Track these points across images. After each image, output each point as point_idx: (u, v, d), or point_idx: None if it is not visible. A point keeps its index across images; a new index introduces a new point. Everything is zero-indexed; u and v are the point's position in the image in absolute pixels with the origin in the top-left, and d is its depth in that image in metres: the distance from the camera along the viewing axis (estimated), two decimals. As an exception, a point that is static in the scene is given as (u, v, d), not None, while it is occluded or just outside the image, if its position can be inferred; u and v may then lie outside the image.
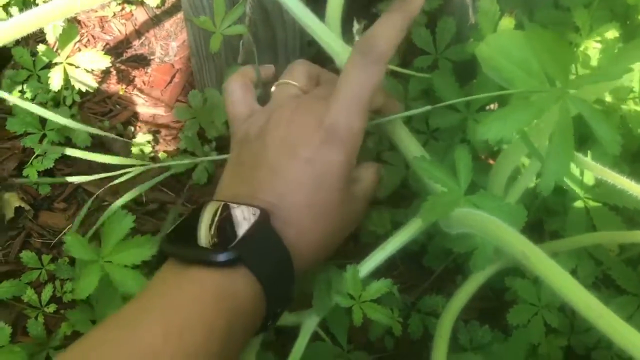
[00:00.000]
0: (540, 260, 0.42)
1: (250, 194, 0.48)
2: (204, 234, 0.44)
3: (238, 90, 0.58)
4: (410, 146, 0.58)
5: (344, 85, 0.50)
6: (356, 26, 0.66)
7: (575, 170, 0.64)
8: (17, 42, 0.88)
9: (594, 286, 0.65)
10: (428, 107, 0.56)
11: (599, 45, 0.70)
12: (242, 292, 0.43)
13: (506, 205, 0.53)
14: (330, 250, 0.53)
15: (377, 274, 0.60)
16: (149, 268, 0.62)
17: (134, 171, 0.69)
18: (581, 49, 0.69)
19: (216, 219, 0.45)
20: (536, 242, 0.60)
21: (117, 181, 0.70)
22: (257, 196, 0.48)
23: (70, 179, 0.70)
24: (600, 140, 0.41)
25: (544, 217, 0.70)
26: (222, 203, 0.47)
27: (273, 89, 0.60)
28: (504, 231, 0.45)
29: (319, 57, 0.67)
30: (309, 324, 0.57)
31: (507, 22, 0.67)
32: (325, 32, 0.63)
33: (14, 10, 0.94)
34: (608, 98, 0.69)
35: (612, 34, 0.65)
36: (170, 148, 0.86)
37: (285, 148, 0.49)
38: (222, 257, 0.42)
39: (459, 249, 0.55)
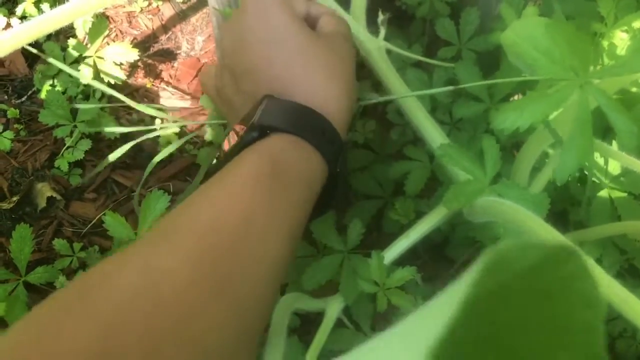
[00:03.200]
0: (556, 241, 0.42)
1: (254, 93, 0.50)
2: None
3: None
4: (435, 135, 0.59)
5: None
6: (381, 17, 0.66)
7: (599, 159, 0.64)
8: (48, 37, 0.90)
9: (618, 275, 0.65)
10: (441, 90, 0.56)
11: (625, 35, 0.70)
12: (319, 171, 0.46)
13: (529, 194, 0.53)
14: (347, 88, 0.52)
15: (401, 263, 0.61)
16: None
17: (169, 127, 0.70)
18: (606, 38, 0.69)
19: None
20: (561, 232, 0.61)
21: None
22: (258, 95, 0.50)
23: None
24: (617, 132, 0.41)
25: (569, 207, 0.70)
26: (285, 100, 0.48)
27: None
28: (531, 220, 0.45)
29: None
30: (333, 310, 0.58)
31: (531, 11, 0.67)
32: (351, 23, 0.64)
33: (44, 6, 0.97)
34: (634, 88, 0.69)
35: (638, 23, 0.65)
36: (197, 140, 0.87)
37: (245, 49, 0.51)
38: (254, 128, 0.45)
39: (481, 238, 0.56)
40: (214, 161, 0.79)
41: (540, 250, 0.21)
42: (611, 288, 0.43)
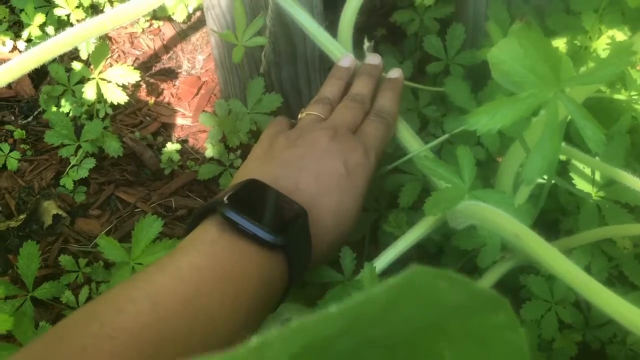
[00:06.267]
0: (531, 240, 0.44)
1: (291, 188, 0.54)
2: (260, 213, 0.49)
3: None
4: (415, 146, 0.61)
5: (370, 138, 0.61)
6: (366, 44, 0.69)
7: (587, 169, 0.66)
8: (53, 59, 0.93)
9: (608, 282, 0.66)
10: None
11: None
12: (276, 272, 0.49)
13: (509, 198, 0.55)
14: (338, 245, 0.59)
15: (395, 275, 0.63)
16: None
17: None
18: (592, 50, 0.71)
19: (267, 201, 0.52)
20: (550, 240, 0.62)
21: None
22: (297, 192, 0.54)
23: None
24: (585, 138, 0.43)
25: (560, 216, 0.71)
26: (273, 189, 0.52)
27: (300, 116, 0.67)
28: (497, 215, 0.48)
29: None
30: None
31: (517, 28, 0.69)
32: (337, 47, 0.67)
33: (49, 29, 1.00)
34: (622, 96, 0.71)
35: (620, 35, 0.67)
36: (197, 156, 0.89)
37: (329, 159, 0.57)
38: (277, 240, 0.48)
39: (466, 246, 0.57)
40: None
41: (473, 296, 0.22)
42: (601, 293, 0.44)
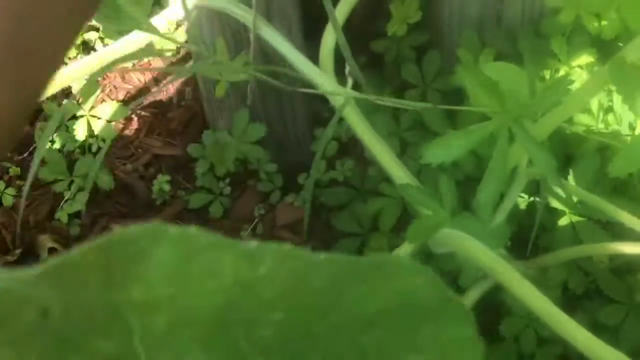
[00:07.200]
0: (506, 273, 0.46)
1: None
2: None
3: None
4: (399, 174, 0.64)
5: None
6: (347, 68, 0.72)
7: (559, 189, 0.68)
8: (47, 96, 0.96)
9: (585, 296, 0.69)
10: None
11: (579, 70, 0.75)
12: None
13: (488, 226, 0.57)
14: None
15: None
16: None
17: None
18: (561, 73, 0.74)
19: None
20: (529, 258, 0.65)
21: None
22: None
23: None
24: (537, 164, 0.45)
25: (539, 233, 0.74)
26: None
27: None
28: (475, 247, 0.50)
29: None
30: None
31: (487, 54, 0.72)
32: (319, 75, 0.70)
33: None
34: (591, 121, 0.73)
35: (586, 59, 0.70)
36: (188, 185, 0.92)
37: None
38: None
39: (447, 268, 0.60)
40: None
41: (447, 302, 0.23)
42: (577, 333, 0.46)
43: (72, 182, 0.87)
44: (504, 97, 0.45)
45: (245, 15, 0.72)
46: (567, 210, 0.67)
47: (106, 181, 0.88)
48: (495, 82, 0.45)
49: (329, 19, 0.69)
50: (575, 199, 0.68)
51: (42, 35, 0.32)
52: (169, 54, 1.05)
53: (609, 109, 0.72)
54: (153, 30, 0.59)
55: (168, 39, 0.66)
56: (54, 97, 0.97)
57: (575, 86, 0.74)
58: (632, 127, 0.70)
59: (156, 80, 1.06)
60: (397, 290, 0.22)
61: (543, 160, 0.44)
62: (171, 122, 1.00)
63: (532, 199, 0.75)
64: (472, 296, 0.67)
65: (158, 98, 1.04)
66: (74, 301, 0.21)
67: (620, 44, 0.73)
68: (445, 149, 0.45)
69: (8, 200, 0.88)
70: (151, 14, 0.79)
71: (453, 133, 0.46)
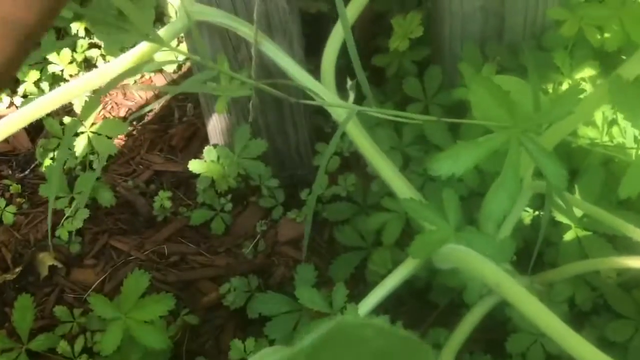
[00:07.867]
0: (511, 289, 0.45)
1: None
2: None
3: None
4: (403, 188, 0.63)
5: None
6: (349, 82, 0.71)
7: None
8: (48, 113, 0.96)
9: (593, 311, 0.67)
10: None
11: (584, 84, 0.74)
12: None
13: (494, 241, 0.56)
14: None
15: (386, 310, 0.64)
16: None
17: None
18: (564, 87, 0.73)
19: None
20: (532, 273, 0.64)
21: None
22: None
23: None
24: (546, 175, 0.44)
25: (544, 248, 0.73)
26: None
27: None
28: (480, 263, 0.49)
29: (322, 108, 0.73)
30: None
31: (488, 69, 0.71)
32: (321, 89, 0.69)
33: (44, 84, 1.03)
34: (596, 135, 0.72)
35: (589, 72, 0.70)
36: (189, 202, 0.91)
37: None
38: None
39: (452, 284, 0.59)
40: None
41: (396, 342, 0.23)
42: (553, 325, 0.45)
43: (72, 199, 0.87)
44: (514, 108, 0.45)
45: (246, 31, 0.72)
46: (572, 224, 0.66)
47: (107, 198, 0.87)
48: (507, 92, 0.44)
49: (332, 30, 0.69)
50: (580, 212, 0.67)
51: None
52: (170, 69, 1.05)
53: (613, 122, 0.72)
54: (158, 39, 0.58)
55: (172, 49, 0.66)
56: (55, 112, 0.97)
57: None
58: (637, 140, 0.69)
59: (157, 96, 1.06)
60: (349, 347, 0.23)
61: (554, 171, 0.44)
62: (172, 138, 1.00)
63: (536, 213, 0.74)
64: (478, 312, 0.66)
65: (160, 114, 1.04)
66: None
67: (623, 57, 0.73)
68: (454, 161, 0.44)
69: (8, 218, 0.88)
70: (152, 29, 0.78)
71: (461, 144, 0.45)
